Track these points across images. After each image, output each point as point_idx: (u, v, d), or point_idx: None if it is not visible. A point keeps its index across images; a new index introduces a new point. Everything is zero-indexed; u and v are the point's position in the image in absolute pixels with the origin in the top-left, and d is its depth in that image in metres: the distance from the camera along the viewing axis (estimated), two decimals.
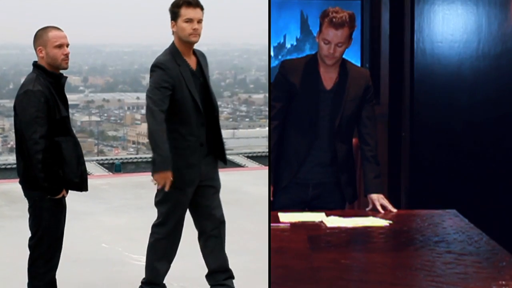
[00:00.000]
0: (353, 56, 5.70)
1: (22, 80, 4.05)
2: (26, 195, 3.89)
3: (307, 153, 4.33)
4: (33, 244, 3.92)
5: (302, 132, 4.33)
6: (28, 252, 4.38)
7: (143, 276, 4.33)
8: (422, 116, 5.41)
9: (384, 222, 3.91)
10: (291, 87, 4.28)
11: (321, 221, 3.91)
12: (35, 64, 3.91)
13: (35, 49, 3.91)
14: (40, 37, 3.89)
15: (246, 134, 44.40)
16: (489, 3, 5.35)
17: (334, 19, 4.11)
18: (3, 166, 10.31)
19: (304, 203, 4.39)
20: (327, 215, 4.01)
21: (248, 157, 11.28)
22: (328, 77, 4.29)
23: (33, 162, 3.70)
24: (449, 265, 3.15)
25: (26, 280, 4.33)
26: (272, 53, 5.49)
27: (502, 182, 5.35)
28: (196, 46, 4.15)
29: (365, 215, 4.09)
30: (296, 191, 4.35)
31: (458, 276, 3.01)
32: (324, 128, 4.31)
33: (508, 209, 5.26)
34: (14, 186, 7.17)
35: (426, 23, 5.36)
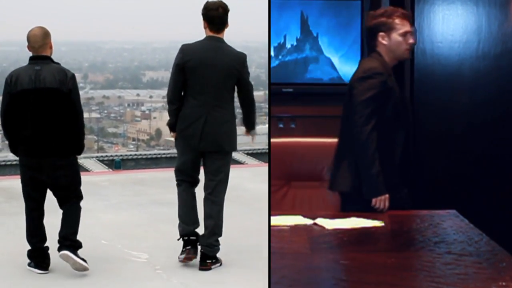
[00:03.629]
0: (353, 56, 5.71)
1: None
2: (65, 162, 4.46)
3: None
4: (78, 192, 4.49)
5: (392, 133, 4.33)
6: (26, 248, 4.41)
7: (143, 272, 4.37)
8: (422, 116, 5.41)
9: (378, 223, 3.89)
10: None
11: (314, 223, 3.90)
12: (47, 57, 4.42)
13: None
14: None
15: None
16: (489, 3, 5.35)
17: (403, 12, 4.21)
18: (3, 163, 10.21)
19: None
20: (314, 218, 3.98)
21: (248, 154, 11.22)
22: None
23: (81, 131, 4.51)
24: (449, 265, 3.15)
25: (27, 277, 4.35)
26: (272, 53, 5.49)
27: (502, 182, 5.35)
28: None
29: (349, 216, 4.03)
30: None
31: (458, 277, 3.01)
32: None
33: (508, 210, 5.26)
34: (13, 183, 7.17)
35: (426, 23, 5.36)
